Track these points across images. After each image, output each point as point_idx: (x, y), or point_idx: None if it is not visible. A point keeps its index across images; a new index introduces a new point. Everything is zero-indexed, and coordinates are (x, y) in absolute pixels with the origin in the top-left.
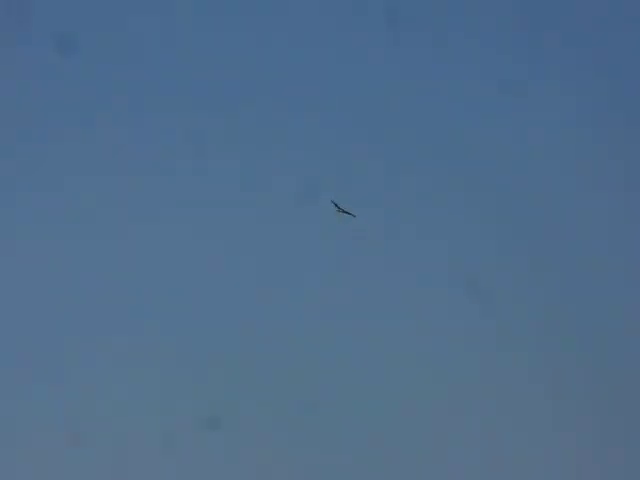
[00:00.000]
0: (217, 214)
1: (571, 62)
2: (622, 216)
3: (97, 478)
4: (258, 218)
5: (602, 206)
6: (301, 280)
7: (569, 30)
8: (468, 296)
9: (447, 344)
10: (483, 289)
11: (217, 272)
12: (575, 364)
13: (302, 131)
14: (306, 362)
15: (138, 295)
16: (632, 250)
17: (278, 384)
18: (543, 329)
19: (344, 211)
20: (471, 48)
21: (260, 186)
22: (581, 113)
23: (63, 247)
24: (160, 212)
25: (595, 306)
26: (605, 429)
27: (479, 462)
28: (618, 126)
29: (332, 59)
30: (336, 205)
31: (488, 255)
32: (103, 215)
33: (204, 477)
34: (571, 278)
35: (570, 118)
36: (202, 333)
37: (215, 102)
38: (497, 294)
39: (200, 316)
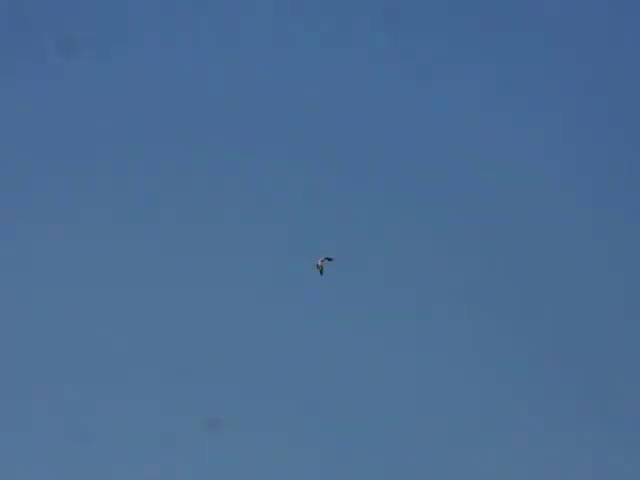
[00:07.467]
0: (216, 218)
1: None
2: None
3: (96, 478)
4: (256, 229)
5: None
6: (301, 281)
7: (572, 36)
8: (467, 313)
9: (447, 351)
10: (480, 304)
11: (217, 272)
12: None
13: (299, 130)
14: (307, 362)
15: (137, 294)
16: (634, 256)
17: (279, 384)
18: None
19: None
20: (472, 51)
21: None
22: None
23: (61, 246)
24: (159, 215)
25: (595, 308)
26: (604, 435)
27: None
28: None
29: (330, 59)
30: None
31: (485, 269)
32: (103, 219)
33: (204, 477)
34: (571, 282)
35: (572, 128)
36: (202, 332)
37: (216, 102)
38: (494, 307)
39: (200, 315)
